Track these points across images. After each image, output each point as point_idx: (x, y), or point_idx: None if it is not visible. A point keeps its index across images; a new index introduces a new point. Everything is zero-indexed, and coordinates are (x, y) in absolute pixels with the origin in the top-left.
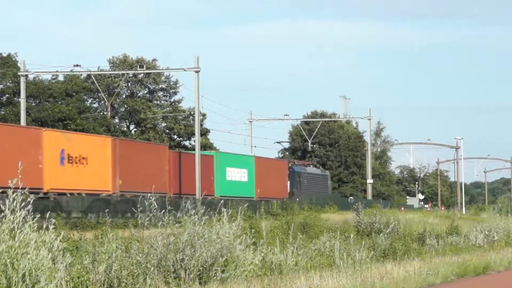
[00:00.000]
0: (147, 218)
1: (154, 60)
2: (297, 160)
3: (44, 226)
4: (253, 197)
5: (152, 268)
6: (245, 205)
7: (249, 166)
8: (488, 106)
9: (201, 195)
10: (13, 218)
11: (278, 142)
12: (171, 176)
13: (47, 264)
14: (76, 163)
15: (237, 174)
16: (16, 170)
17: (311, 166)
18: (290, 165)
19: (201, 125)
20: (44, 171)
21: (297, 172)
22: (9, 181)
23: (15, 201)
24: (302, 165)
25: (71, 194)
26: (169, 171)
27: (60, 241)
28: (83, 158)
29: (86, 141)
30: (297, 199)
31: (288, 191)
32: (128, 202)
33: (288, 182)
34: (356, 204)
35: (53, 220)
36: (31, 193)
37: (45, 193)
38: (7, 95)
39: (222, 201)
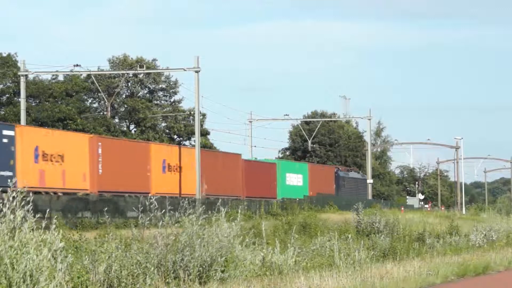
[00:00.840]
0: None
1: (154, 60)
2: (341, 167)
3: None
4: (296, 197)
5: (152, 268)
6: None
7: (303, 172)
8: (488, 106)
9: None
10: (13, 218)
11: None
12: (243, 181)
13: (47, 264)
14: (174, 171)
15: (294, 179)
16: (132, 177)
17: (353, 171)
18: (335, 170)
19: (201, 125)
20: (152, 178)
21: (341, 176)
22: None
23: (15, 200)
24: (346, 170)
25: (170, 197)
26: (242, 177)
27: (61, 240)
28: (179, 167)
29: (181, 153)
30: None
31: (336, 192)
32: (212, 203)
33: (334, 185)
34: (356, 204)
35: (54, 220)
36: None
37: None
38: (7, 95)
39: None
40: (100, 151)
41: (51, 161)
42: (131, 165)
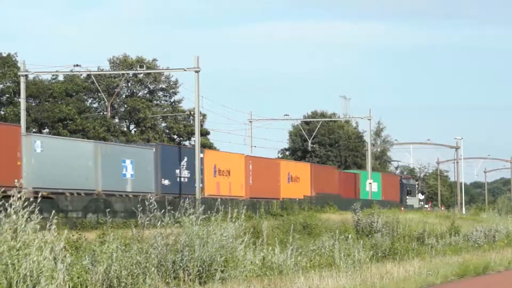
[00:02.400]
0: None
1: (154, 60)
2: (403, 175)
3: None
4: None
5: (152, 268)
6: None
7: (378, 180)
8: (488, 106)
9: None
10: (16, 218)
11: None
12: (312, 183)
13: (48, 264)
14: (222, 175)
15: (372, 186)
16: (267, 186)
17: (411, 179)
18: (400, 178)
19: (201, 125)
20: (205, 181)
21: (404, 184)
22: None
23: (18, 202)
24: (406, 178)
25: (221, 199)
26: (311, 180)
27: (66, 240)
28: (227, 171)
29: (229, 158)
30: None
31: (399, 197)
32: (255, 204)
33: (400, 192)
34: (354, 204)
35: (54, 221)
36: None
37: (204, 198)
38: (7, 95)
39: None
40: (250, 167)
41: (223, 175)
42: (268, 177)
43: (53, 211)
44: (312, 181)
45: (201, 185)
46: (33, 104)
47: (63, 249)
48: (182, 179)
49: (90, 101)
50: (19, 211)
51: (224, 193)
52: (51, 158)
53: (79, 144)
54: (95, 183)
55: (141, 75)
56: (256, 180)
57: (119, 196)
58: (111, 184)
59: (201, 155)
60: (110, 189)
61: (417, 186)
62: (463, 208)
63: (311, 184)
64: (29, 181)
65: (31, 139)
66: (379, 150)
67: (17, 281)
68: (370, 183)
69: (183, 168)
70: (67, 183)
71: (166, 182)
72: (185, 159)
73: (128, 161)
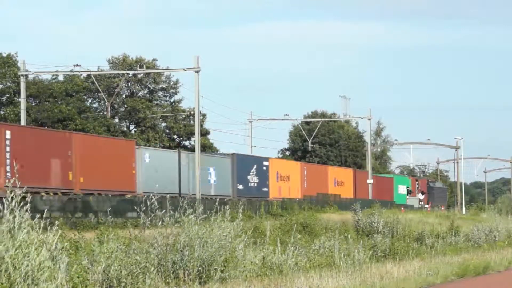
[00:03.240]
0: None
1: (154, 60)
2: (430, 179)
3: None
4: (404, 203)
5: (152, 268)
6: None
7: (407, 183)
8: (488, 106)
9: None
10: (13, 218)
11: None
12: (354, 187)
13: (47, 264)
14: (283, 180)
15: (402, 189)
16: (316, 187)
17: (437, 182)
18: (427, 181)
19: (201, 125)
20: (270, 186)
21: (431, 186)
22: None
23: (13, 201)
24: (433, 181)
25: (282, 200)
26: (353, 184)
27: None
28: (287, 176)
29: (288, 165)
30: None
31: (428, 199)
32: (311, 203)
33: (426, 194)
34: (354, 204)
35: (57, 222)
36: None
37: (270, 200)
38: (7, 95)
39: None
40: (305, 172)
41: (284, 180)
42: (318, 181)
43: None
44: (354, 185)
45: (266, 189)
46: (33, 104)
47: (62, 249)
48: (252, 184)
49: (90, 101)
50: (15, 210)
51: (284, 195)
52: (156, 167)
53: (175, 154)
54: (187, 187)
55: (141, 75)
56: (309, 183)
57: (205, 199)
58: (200, 189)
59: (267, 163)
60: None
61: (417, 186)
62: (463, 208)
63: (354, 188)
64: (141, 186)
65: (141, 151)
66: (379, 150)
67: (18, 281)
68: (370, 183)
69: (253, 174)
70: (168, 187)
71: (240, 186)
72: (254, 166)
73: (212, 169)
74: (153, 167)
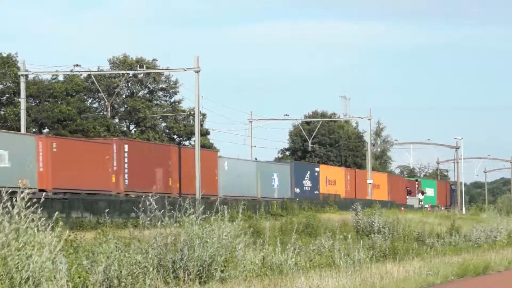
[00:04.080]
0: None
1: (154, 60)
2: (451, 183)
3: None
4: (435, 205)
5: (152, 268)
6: None
7: (434, 186)
8: (488, 106)
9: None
10: (20, 219)
11: None
12: (389, 189)
13: (49, 265)
14: (331, 184)
15: (430, 192)
16: (359, 190)
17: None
18: (450, 185)
19: (201, 125)
20: (320, 189)
21: (453, 189)
22: None
23: (16, 201)
24: (455, 184)
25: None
26: (388, 187)
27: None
28: (334, 181)
29: (335, 171)
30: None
31: (449, 201)
32: (349, 205)
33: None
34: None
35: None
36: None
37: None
38: (7, 95)
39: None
40: (348, 177)
41: (331, 184)
42: (359, 185)
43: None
44: (388, 188)
45: (317, 192)
46: (33, 104)
47: (61, 249)
48: (306, 187)
49: (90, 101)
50: (22, 211)
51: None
52: (233, 174)
53: (247, 162)
54: (256, 191)
55: (141, 75)
56: (351, 187)
57: (269, 200)
58: (266, 192)
59: (318, 169)
60: (265, 196)
61: (417, 186)
62: (463, 208)
63: (388, 191)
64: (221, 191)
65: (222, 160)
66: (379, 150)
67: (19, 282)
68: (370, 183)
69: (307, 179)
70: (242, 191)
71: (297, 190)
72: (308, 172)
73: (275, 175)
74: (231, 174)
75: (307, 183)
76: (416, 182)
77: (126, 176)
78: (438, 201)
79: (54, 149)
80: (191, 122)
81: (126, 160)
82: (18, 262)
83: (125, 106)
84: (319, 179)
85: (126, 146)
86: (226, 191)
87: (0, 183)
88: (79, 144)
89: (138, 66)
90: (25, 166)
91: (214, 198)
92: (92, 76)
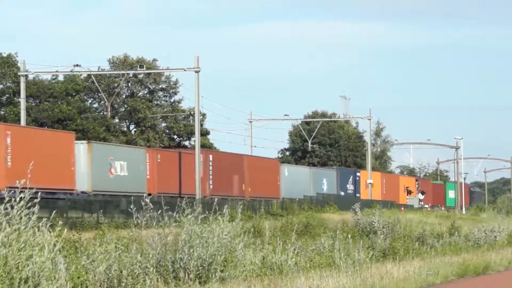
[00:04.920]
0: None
1: (154, 60)
2: (471, 184)
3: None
4: (453, 206)
5: (151, 268)
6: None
7: (454, 188)
8: (488, 106)
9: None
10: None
11: None
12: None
13: (48, 265)
14: (367, 187)
15: (452, 194)
16: (388, 193)
17: (475, 186)
18: (469, 187)
19: (201, 125)
20: (361, 192)
21: (472, 191)
22: None
23: (20, 202)
24: (474, 186)
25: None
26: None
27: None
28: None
29: (373, 175)
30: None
31: (469, 202)
32: (387, 204)
33: (469, 197)
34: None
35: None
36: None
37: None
38: (7, 95)
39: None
40: (384, 181)
41: (367, 187)
42: (392, 189)
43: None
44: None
45: (358, 194)
46: (33, 104)
47: (61, 249)
48: (350, 191)
49: (90, 101)
50: (21, 211)
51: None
52: (292, 180)
53: (302, 168)
54: (311, 192)
55: (141, 75)
56: (388, 190)
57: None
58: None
59: (359, 174)
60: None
61: (417, 186)
62: (463, 208)
63: (427, 196)
64: (282, 194)
65: (283, 167)
66: (379, 150)
67: (19, 283)
68: (370, 183)
69: (350, 183)
70: (299, 193)
71: (342, 193)
72: (351, 177)
73: (324, 180)
74: (290, 180)
75: (350, 186)
76: (417, 182)
77: (210, 182)
78: (459, 202)
79: (158, 160)
80: (191, 122)
81: (211, 168)
82: (19, 262)
83: (125, 106)
84: (360, 183)
85: (211, 156)
86: (287, 194)
87: (120, 189)
88: (176, 155)
89: (138, 66)
90: (138, 174)
91: (275, 201)
92: (92, 76)
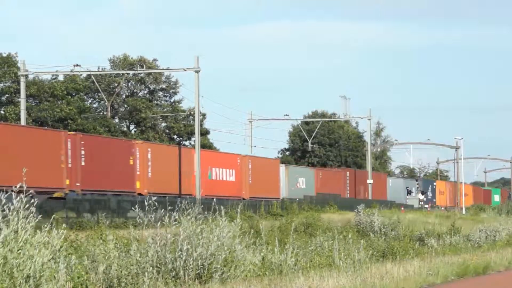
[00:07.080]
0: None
1: (155, 60)
2: (507, 189)
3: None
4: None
5: (151, 268)
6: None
7: (498, 193)
8: (488, 106)
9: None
10: (17, 219)
11: None
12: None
13: (49, 265)
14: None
15: (496, 197)
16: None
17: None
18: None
19: (201, 125)
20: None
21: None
22: None
23: (18, 202)
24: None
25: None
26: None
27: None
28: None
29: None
30: None
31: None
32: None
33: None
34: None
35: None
36: None
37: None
38: (7, 95)
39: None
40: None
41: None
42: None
43: None
44: (453, 195)
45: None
46: (33, 104)
47: (61, 249)
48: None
49: (90, 101)
50: (20, 211)
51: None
52: (292, 180)
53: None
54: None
55: (142, 75)
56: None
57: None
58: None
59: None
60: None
61: (417, 186)
62: (463, 208)
63: (452, 197)
64: (282, 193)
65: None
66: (379, 150)
67: (20, 282)
68: (370, 183)
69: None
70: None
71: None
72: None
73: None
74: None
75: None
76: (417, 182)
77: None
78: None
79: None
80: (191, 122)
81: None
82: (19, 262)
83: (125, 106)
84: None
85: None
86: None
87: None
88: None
89: (138, 66)
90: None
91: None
92: (92, 76)
